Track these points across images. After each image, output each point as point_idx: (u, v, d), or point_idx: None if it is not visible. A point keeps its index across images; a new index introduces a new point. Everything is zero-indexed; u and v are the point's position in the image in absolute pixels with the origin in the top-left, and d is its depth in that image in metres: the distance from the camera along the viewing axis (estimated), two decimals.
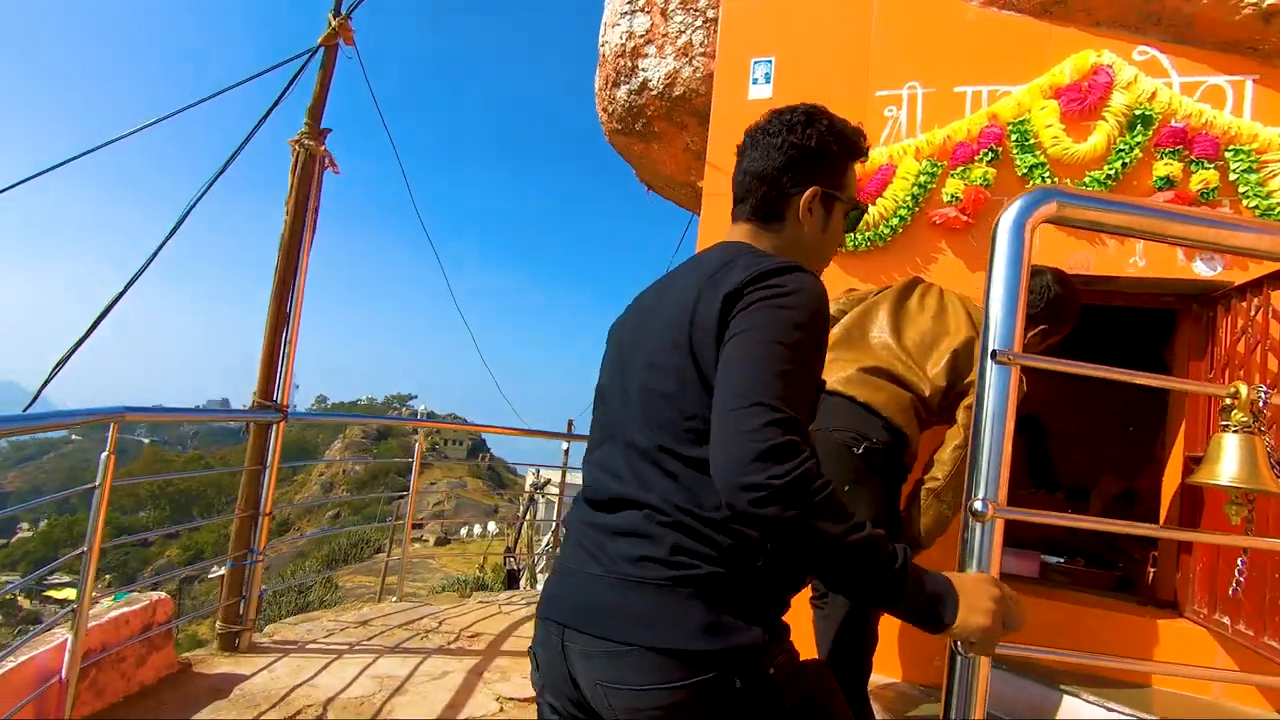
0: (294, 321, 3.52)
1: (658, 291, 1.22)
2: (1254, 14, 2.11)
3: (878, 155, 2.49)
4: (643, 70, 3.34)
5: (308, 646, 3.43)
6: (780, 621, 1.05)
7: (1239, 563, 1.55)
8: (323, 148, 3.54)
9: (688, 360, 1.03)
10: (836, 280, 2.50)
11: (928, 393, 1.89)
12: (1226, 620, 2.00)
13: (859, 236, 2.49)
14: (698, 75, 3.13)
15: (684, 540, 0.99)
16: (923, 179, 2.45)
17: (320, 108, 3.55)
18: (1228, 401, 1.12)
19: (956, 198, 2.45)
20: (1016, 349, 1.10)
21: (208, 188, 3.40)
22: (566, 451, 9.83)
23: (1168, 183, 2.24)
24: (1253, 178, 2.16)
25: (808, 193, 1.16)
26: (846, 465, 1.85)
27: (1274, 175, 2.15)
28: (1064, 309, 1.99)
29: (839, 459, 1.83)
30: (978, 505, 1.04)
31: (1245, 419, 1.09)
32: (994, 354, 1.08)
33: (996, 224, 1.10)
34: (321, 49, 3.54)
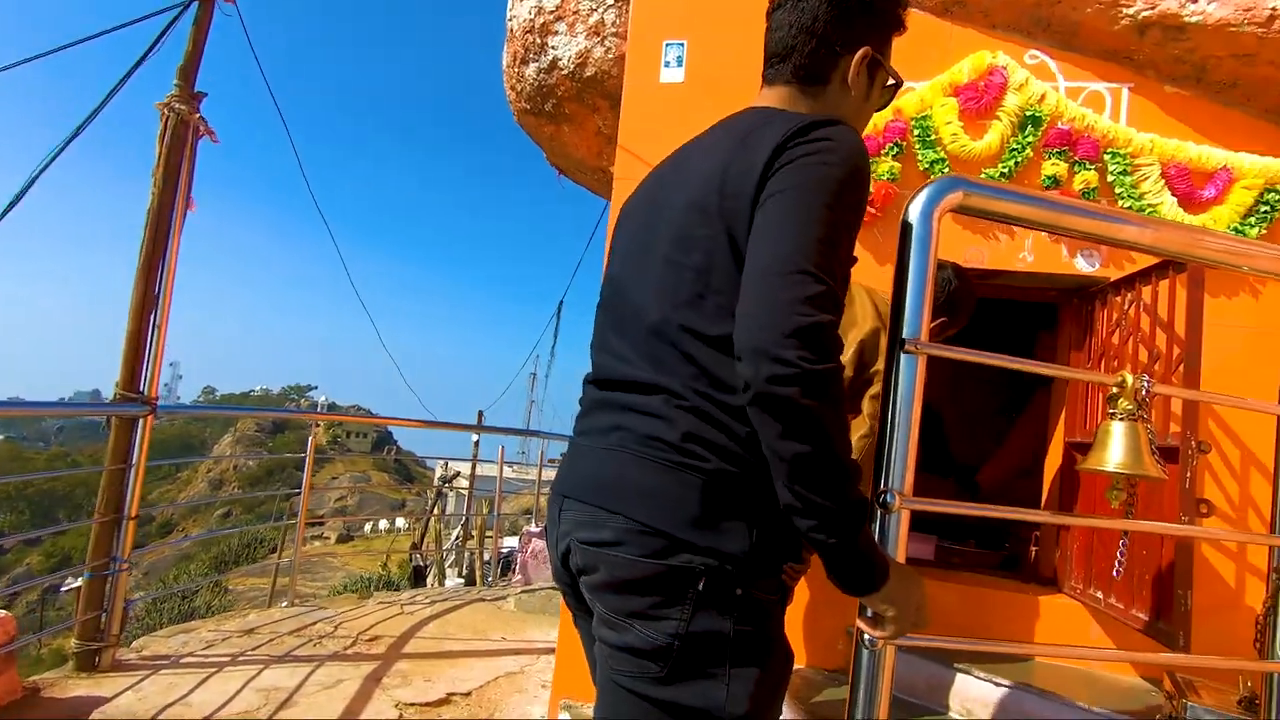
0: (164, 304, 3.18)
1: (675, 164, 1.12)
2: (1131, 25, 2.24)
3: None
4: (553, 48, 3.21)
5: (183, 661, 3.13)
6: (779, 567, 0.99)
7: (1120, 544, 1.66)
8: (197, 114, 3.21)
9: (719, 230, 0.96)
10: None
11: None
12: (1100, 595, 2.14)
13: None
14: (609, 56, 3.04)
15: (699, 427, 0.95)
16: None
17: (194, 68, 3.22)
18: (1114, 390, 1.16)
19: None
20: (924, 338, 1.09)
21: (56, 154, 3.01)
22: (476, 444, 9.57)
23: (1054, 181, 2.36)
24: (1127, 179, 2.31)
25: (859, 53, 1.07)
26: None
27: (1145, 178, 2.30)
28: (963, 302, 2.06)
29: None
30: (886, 497, 1.03)
31: (1130, 407, 1.14)
32: (903, 343, 1.07)
33: (905, 212, 1.09)
34: (195, 2, 3.20)
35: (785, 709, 1.71)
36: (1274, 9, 2.02)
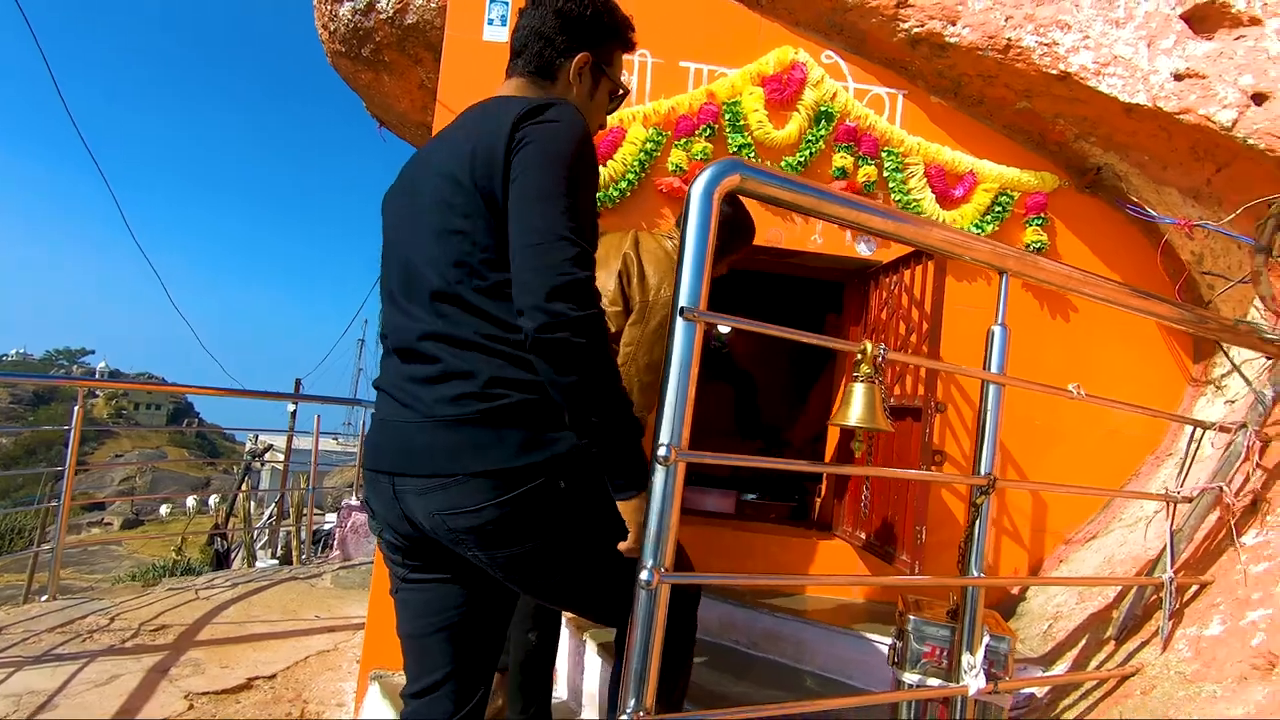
0: None
1: (430, 149, 1.28)
2: (906, 39, 2.55)
3: (610, 118, 2.54)
4: None
5: None
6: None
7: (864, 489, 1.93)
8: None
9: (474, 196, 1.12)
10: None
11: (613, 329, 1.87)
12: (862, 535, 2.48)
13: None
14: (433, 5, 2.90)
15: (499, 370, 1.10)
16: (649, 146, 2.58)
17: None
18: (859, 356, 1.35)
19: (681, 168, 2.62)
20: (702, 307, 1.20)
21: None
22: (293, 414, 8.86)
23: (842, 174, 2.64)
24: (899, 176, 2.65)
25: (579, 57, 1.27)
26: None
27: (912, 175, 2.66)
28: (738, 230, 2.07)
29: None
30: (662, 451, 1.13)
31: (869, 370, 1.33)
32: (683, 311, 1.17)
33: (689, 190, 1.19)
34: None
35: None
36: (1009, 40, 2.40)
